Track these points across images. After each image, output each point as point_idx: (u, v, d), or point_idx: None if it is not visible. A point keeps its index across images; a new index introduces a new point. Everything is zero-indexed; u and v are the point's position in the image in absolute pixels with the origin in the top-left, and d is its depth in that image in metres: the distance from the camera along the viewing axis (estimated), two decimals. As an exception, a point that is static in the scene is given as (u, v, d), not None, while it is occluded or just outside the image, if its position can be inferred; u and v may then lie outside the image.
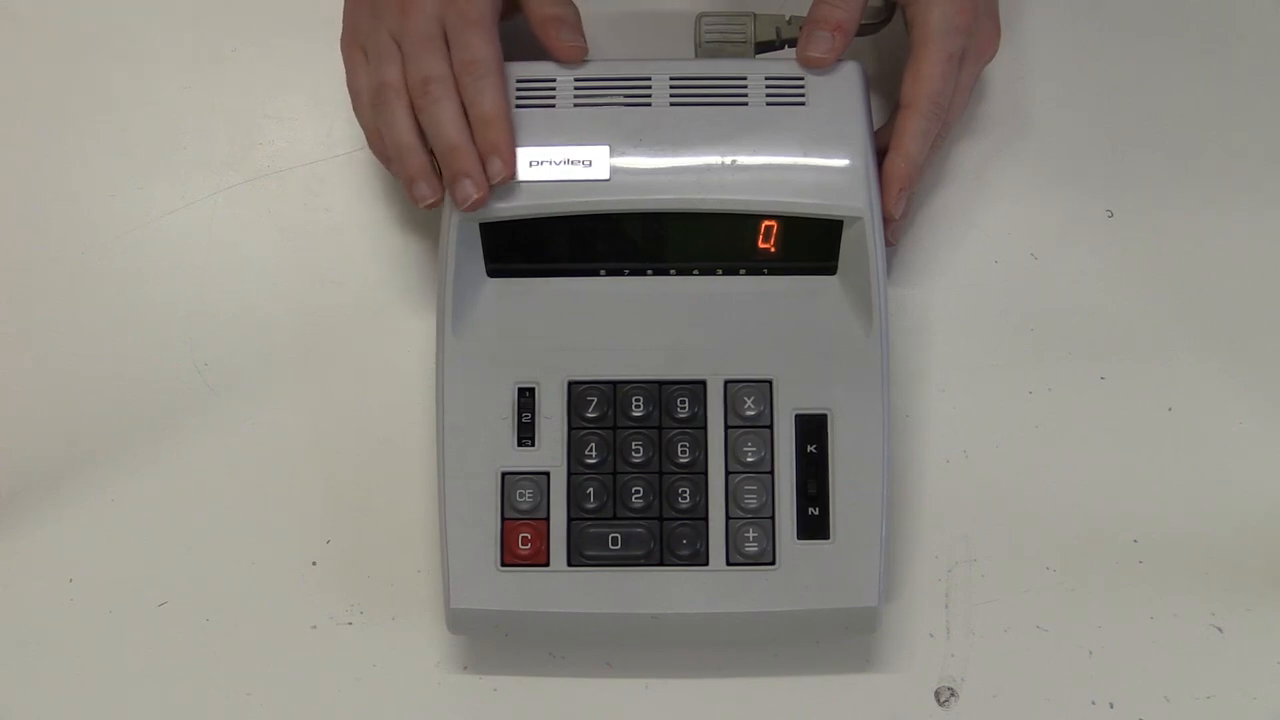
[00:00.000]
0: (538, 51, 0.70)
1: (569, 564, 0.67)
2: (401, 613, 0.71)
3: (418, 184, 0.68)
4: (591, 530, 0.67)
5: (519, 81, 0.69)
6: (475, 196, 0.66)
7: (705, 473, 0.67)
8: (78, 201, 0.77)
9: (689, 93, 0.69)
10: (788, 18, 0.72)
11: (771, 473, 0.67)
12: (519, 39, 0.70)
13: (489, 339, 0.69)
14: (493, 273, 0.70)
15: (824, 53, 0.68)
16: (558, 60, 0.69)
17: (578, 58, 0.69)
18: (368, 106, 0.71)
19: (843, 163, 0.68)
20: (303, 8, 0.79)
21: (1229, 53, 0.79)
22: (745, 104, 0.68)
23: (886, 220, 0.69)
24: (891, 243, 0.73)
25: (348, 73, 0.72)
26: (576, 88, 0.69)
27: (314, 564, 0.72)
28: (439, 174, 0.68)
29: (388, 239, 0.76)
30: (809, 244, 0.69)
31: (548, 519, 0.67)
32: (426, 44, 0.67)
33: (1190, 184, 0.77)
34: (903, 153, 0.69)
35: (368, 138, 0.73)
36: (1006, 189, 0.77)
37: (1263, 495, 0.73)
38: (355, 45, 0.71)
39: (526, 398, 0.68)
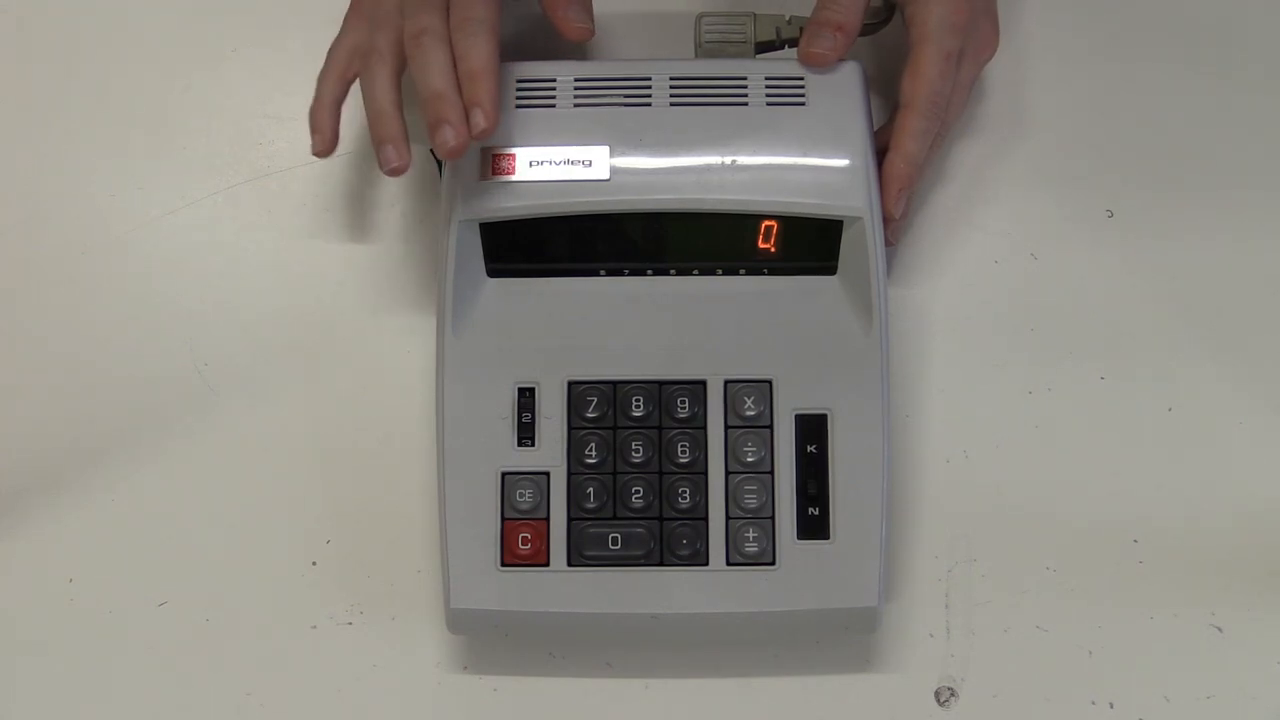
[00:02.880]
0: (546, 36, 0.70)
1: (569, 564, 0.67)
2: (401, 613, 0.71)
3: (384, 148, 0.67)
4: (591, 530, 0.67)
5: (519, 81, 0.69)
6: (453, 144, 0.65)
7: (705, 473, 0.67)
8: (78, 201, 0.77)
9: (689, 93, 0.69)
10: (788, 18, 0.72)
11: (771, 473, 0.67)
12: (529, 32, 0.70)
13: (489, 339, 0.69)
14: (493, 273, 0.70)
15: (827, 50, 0.68)
16: (565, 38, 0.69)
17: (583, 38, 0.69)
18: (340, 66, 0.70)
19: (843, 163, 0.68)
20: (302, 8, 0.79)
21: (1229, 52, 0.79)
22: (745, 104, 0.68)
23: (886, 220, 0.69)
24: (891, 243, 0.73)
25: (339, 35, 0.71)
26: (576, 88, 0.69)
27: (314, 564, 0.72)
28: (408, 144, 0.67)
29: (388, 239, 0.76)
30: (809, 244, 0.69)
31: (548, 519, 0.67)
32: (426, 3, 0.67)
33: (1190, 184, 0.77)
34: (902, 152, 0.69)
35: (316, 96, 0.70)
36: (1006, 189, 0.77)
37: (1263, 495, 0.73)
38: (360, 13, 0.71)
39: (526, 398, 0.68)
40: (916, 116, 0.69)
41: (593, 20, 0.69)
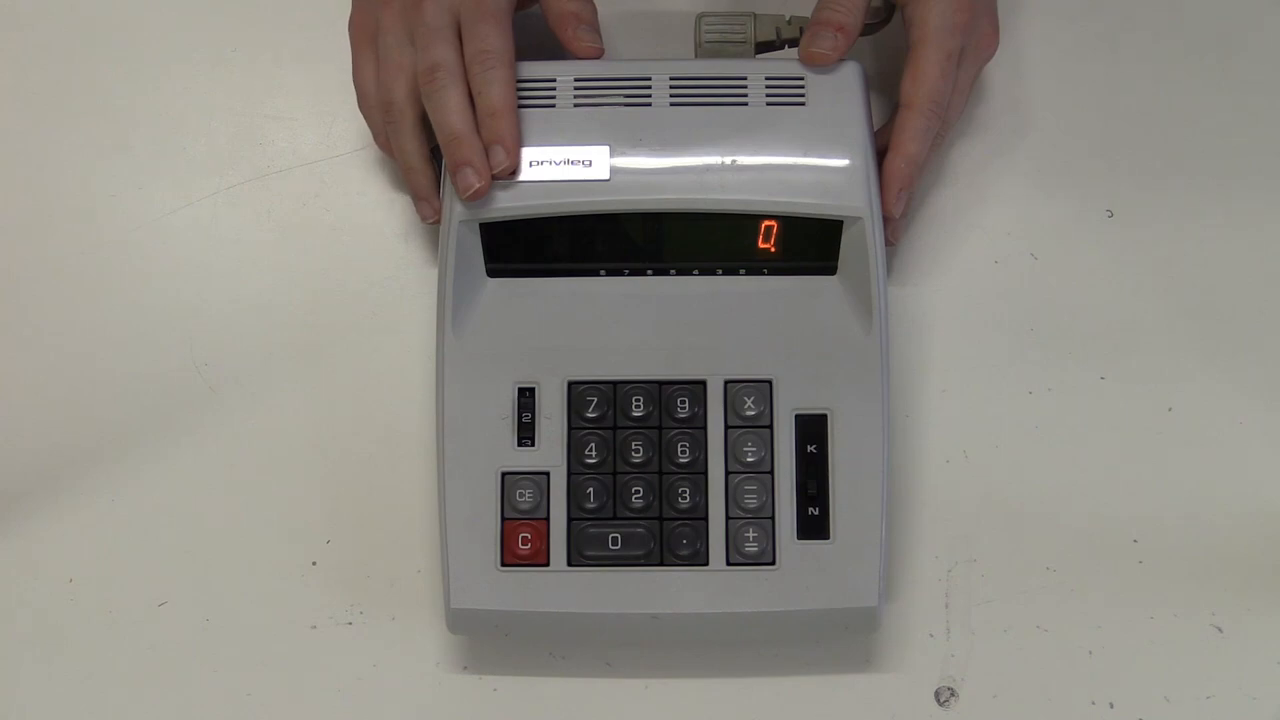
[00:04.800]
0: (548, 42, 0.70)
1: (569, 564, 0.67)
2: (401, 613, 0.71)
3: (420, 204, 0.73)
4: (591, 530, 0.67)
5: (519, 81, 0.68)
6: (476, 186, 0.66)
7: (705, 473, 0.67)
8: (78, 201, 0.77)
9: (689, 93, 0.69)
10: (788, 18, 0.72)
11: (771, 473, 0.67)
12: (529, 32, 0.70)
13: (489, 339, 0.69)
14: (493, 273, 0.70)
15: (828, 50, 0.68)
16: (575, 56, 0.69)
17: (594, 56, 0.69)
18: (375, 112, 0.72)
19: (843, 163, 0.68)
20: (302, 8, 0.79)
21: (1229, 52, 0.79)
22: (745, 104, 0.68)
23: (886, 219, 0.69)
24: (892, 242, 0.73)
25: (354, 67, 0.72)
26: (576, 88, 0.69)
27: (314, 564, 0.72)
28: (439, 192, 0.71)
29: (388, 239, 0.76)
30: (809, 244, 0.69)
31: (548, 519, 0.67)
32: (437, 34, 0.68)
33: (1190, 184, 0.77)
34: (902, 152, 0.69)
35: (372, 133, 0.73)
36: (1006, 189, 0.77)
37: (1263, 495, 0.73)
38: (365, 37, 0.72)
39: (526, 398, 0.68)
40: (917, 116, 0.69)
41: (601, 36, 0.70)
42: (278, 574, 0.72)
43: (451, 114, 0.67)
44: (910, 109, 0.69)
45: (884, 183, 0.69)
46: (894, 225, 0.72)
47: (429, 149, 0.71)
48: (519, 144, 0.67)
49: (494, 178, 0.67)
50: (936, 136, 0.71)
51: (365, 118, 0.74)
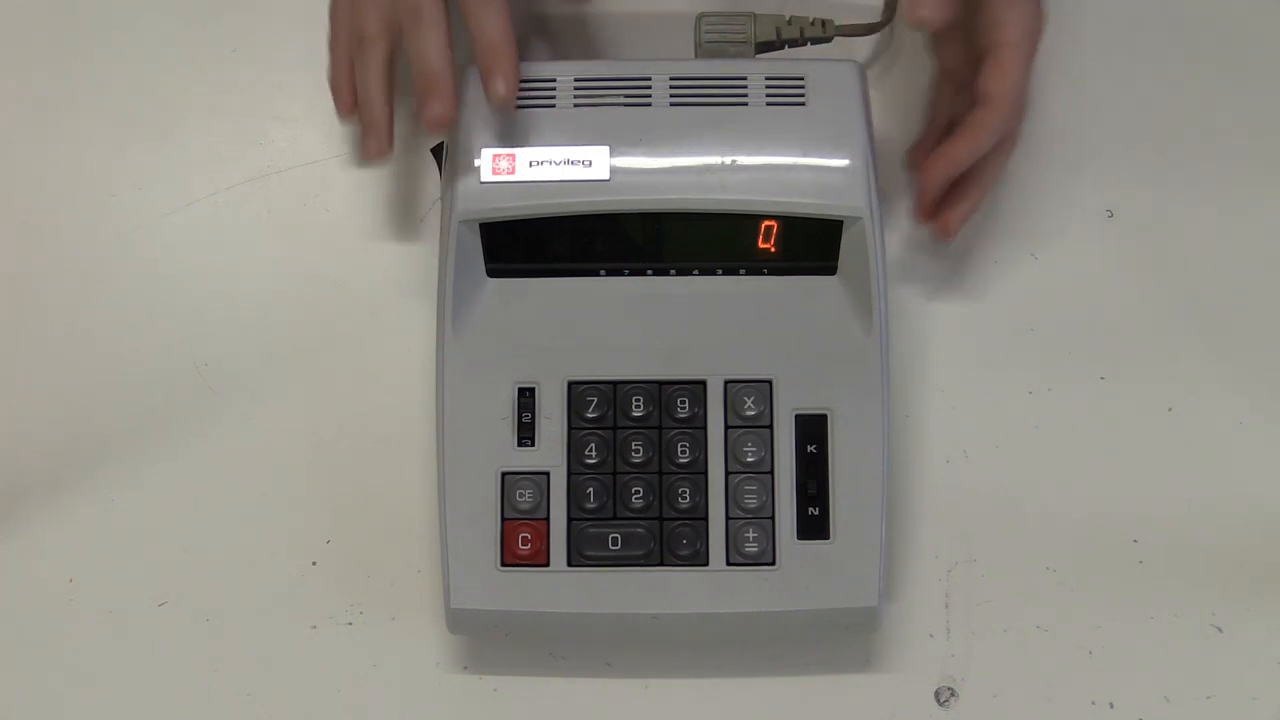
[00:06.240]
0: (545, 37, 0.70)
1: (569, 564, 0.67)
2: (401, 613, 0.71)
3: (368, 139, 0.69)
4: (591, 530, 0.67)
5: (519, 81, 0.68)
6: (438, 112, 0.65)
7: (705, 473, 0.67)
8: (78, 201, 0.77)
9: (689, 93, 0.69)
10: (788, 18, 0.72)
11: (771, 473, 0.67)
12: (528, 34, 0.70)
13: (489, 339, 0.69)
14: (493, 273, 0.70)
15: (933, 12, 0.65)
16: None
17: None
18: (342, 42, 0.70)
19: (842, 163, 0.68)
20: (303, 7, 0.79)
21: (1230, 52, 0.79)
22: (745, 104, 0.68)
23: (922, 194, 0.68)
24: (946, 236, 0.71)
25: (331, 13, 0.71)
26: (576, 88, 0.69)
27: (314, 564, 0.72)
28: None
29: (388, 239, 0.76)
30: (809, 244, 0.69)
31: (548, 519, 0.67)
32: None
33: (1190, 184, 0.77)
34: (969, 140, 0.68)
35: (330, 69, 0.71)
36: (1006, 189, 0.77)
37: (1263, 495, 0.73)
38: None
39: (526, 398, 0.68)
40: (993, 113, 0.68)
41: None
42: (278, 574, 0.72)
43: (431, 52, 0.65)
44: (988, 105, 0.68)
45: (931, 159, 0.68)
46: (944, 220, 0.70)
47: (391, 87, 0.69)
48: (518, 75, 0.66)
49: (495, 108, 0.65)
50: (1004, 142, 0.70)
51: (330, 49, 0.71)
